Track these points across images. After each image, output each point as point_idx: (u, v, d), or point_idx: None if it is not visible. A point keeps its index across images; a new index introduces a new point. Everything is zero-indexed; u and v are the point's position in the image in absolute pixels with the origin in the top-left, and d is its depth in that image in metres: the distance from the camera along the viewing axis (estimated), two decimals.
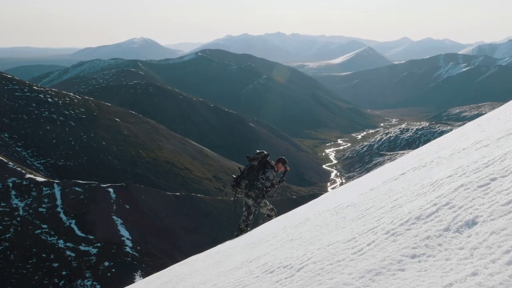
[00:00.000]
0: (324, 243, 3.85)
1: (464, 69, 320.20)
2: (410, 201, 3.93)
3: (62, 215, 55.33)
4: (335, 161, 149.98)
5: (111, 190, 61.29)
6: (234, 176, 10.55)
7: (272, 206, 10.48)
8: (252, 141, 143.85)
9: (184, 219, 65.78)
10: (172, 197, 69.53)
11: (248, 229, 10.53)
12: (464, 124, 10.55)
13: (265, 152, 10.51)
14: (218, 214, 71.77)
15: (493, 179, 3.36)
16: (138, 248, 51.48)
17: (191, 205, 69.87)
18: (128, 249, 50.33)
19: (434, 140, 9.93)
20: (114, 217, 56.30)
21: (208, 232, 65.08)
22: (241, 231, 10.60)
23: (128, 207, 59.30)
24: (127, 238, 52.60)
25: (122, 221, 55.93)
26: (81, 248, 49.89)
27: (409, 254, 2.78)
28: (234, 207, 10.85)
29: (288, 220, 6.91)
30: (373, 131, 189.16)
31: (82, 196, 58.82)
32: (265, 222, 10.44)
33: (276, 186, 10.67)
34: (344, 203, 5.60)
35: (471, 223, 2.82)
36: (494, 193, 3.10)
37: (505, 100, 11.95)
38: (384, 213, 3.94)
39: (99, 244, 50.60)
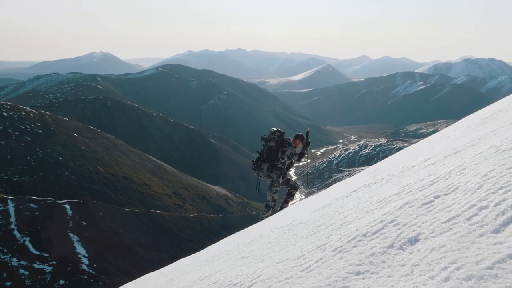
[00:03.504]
0: (274, 260, 3.87)
1: (421, 87, 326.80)
2: (358, 218, 3.98)
3: (16, 232, 54.04)
4: (295, 177, 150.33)
5: (67, 206, 60.23)
6: (254, 160, 10.55)
7: (276, 198, 10.50)
8: (213, 157, 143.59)
9: (142, 236, 65.06)
10: (131, 213, 68.71)
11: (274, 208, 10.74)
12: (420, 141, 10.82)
13: (281, 130, 10.55)
14: (177, 230, 71.24)
15: (437, 197, 3.44)
16: (95, 265, 50.60)
17: (150, 222, 69.17)
18: (84, 267, 49.43)
19: (388, 157, 10.10)
20: (71, 234, 55.29)
21: (167, 248, 64.52)
22: (272, 210, 10.70)
23: (85, 223, 58.34)
24: (84, 256, 51.68)
25: (78, 238, 54.96)
26: (36, 266, 48.75)
27: (354, 271, 2.82)
28: (258, 189, 10.98)
29: (243, 237, 6.91)
30: (332, 147, 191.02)
31: (37, 213, 57.60)
32: (264, 214, 10.50)
33: (305, 154, 10.73)
34: (297, 220, 5.64)
35: (414, 240, 2.87)
36: (436, 210, 3.17)
37: (459, 118, 12.27)
38: (334, 230, 3.98)
39: (54, 262, 49.57)
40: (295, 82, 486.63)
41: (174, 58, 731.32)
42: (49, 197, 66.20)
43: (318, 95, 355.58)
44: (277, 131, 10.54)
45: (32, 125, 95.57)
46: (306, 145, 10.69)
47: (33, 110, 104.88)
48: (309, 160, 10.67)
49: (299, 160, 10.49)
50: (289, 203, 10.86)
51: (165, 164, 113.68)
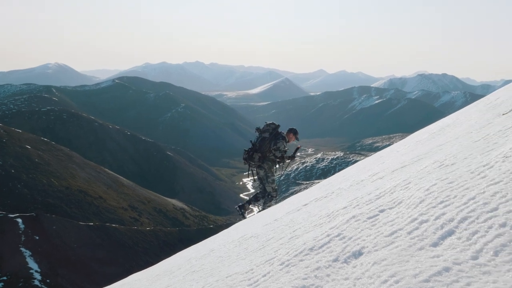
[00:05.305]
0: (223, 275, 3.89)
1: (377, 101, 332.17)
2: (307, 232, 4.03)
3: None
4: (252, 190, 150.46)
5: (19, 220, 58.83)
6: (246, 150, 10.48)
7: (276, 187, 10.48)
8: (170, 169, 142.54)
9: (97, 250, 63.97)
10: (85, 227, 67.49)
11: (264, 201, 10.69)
12: None
13: (275, 123, 10.53)
14: (133, 244, 70.28)
15: (382, 211, 3.52)
16: (48, 281, 49.44)
17: (105, 235, 68.06)
18: (36, 282, 48.24)
19: (341, 171, 10.25)
20: (22, 249, 53.93)
21: (122, 262, 63.54)
22: (256, 201, 10.77)
23: (37, 238, 57.02)
24: (36, 271, 50.43)
25: (31, 253, 53.66)
26: None
27: (299, 285, 2.85)
28: (254, 179, 10.90)
29: (195, 251, 6.90)
30: (289, 160, 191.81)
31: None
32: (266, 204, 10.42)
33: (287, 160, 10.68)
34: (248, 233, 5.67)
35: (358, 254, 2.93)
36: (380, 224, 3.25)
37: (414, 132, 12.57)
38: (282, 244, 4.02)
39: (5, 278, 48.23)
40: (253, 95, 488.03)
41: (131, 70, 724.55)
42: (0, 210, 64.52)
43: (276, 108, 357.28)
44: (272, 123, 10.63)
45: None
46: (291, 157, 10.72)
47: None
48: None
49: (282, 157, 10.53)
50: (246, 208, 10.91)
51: (121, 177, 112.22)
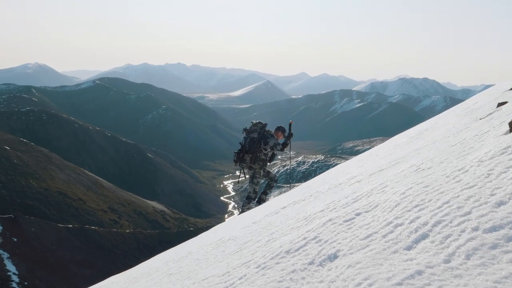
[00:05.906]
0: (200, 277, 3.89)
1: (358, 105, 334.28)
2: (284, 234, 4.04)
3: None
4: (233, 193, 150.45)
5: None
6: (236, 152, 10.55)
7: (257, 190, 10.57)
8: (150, 171, 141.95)
9: (76, 252, 63.50)
10: (64, 229, 66.95)
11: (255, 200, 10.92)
12: None
13: (262, 122, 10.60)
14: (112, 246, 69.87)
15: (358, 214, 3.54)
16: (26, 283, 48.99)
17: (84, 238, 67.58)
18: (14, 285, 47.79)
19: (321, 174, 10.29)
20: (1, 251, 53.42)
21: (101, 265, 63.13)
22: (250, 200, 10.96)
23: (16, 240, 56.45)
24: (14, 273, 49.96)
25: (9, 255, 53.12)
26: None
27: None
28: (238, 180, 11.61)
29: (173, 254, 6.89)
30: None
31: None
32: (245, 206, 10.72)
33: (288, 144, 10.72)
34: (226, 236, 5.67)
35: (333, 257, 2.94)
36: (356, 227, 3.26)
37: (394, 136, 12.68)
38: (260, 247, 4.03)
39: None
40: (235, 97, 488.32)
41: (112, 71, 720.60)
42: None
43: (257, 111, 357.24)
44: (259, 122, 10.73)
45: None
46: (289, 136, 10.78)
47: None
48: (292, 153, 11.02)
49: (282, 150, 10.62)
50: (267, 195, 11.00)
51: (101, 179, 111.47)
